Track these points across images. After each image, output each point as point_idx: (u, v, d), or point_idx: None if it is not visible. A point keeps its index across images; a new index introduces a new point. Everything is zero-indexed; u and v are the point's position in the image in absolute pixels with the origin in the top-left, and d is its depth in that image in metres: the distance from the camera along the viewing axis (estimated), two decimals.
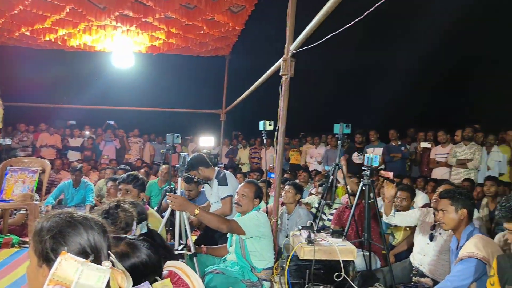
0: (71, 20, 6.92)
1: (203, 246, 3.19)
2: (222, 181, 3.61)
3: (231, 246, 2.96)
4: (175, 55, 9.28)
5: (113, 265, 1.10)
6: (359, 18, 2.62)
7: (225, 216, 3.20)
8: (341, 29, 2.86)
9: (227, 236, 3.04)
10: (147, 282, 1.33)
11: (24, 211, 4.97)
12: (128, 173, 3.19)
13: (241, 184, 2.99)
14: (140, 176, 3.28)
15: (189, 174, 3.73)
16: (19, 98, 9.28)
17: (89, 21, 6.95)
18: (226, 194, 3.54)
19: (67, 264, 0.97)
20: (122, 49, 8.43)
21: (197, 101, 10.49)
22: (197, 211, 2.66)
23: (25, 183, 4.86)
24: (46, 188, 5.25)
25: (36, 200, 4.74)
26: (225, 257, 3.01)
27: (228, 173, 3.78)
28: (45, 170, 5.10)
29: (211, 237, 3.65)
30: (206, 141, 8.45)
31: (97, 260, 1.05)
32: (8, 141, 8.73)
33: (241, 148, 10.04)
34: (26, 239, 4.47)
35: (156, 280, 1.44)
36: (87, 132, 10.22)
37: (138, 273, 1.36)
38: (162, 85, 12.27)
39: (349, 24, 2.73)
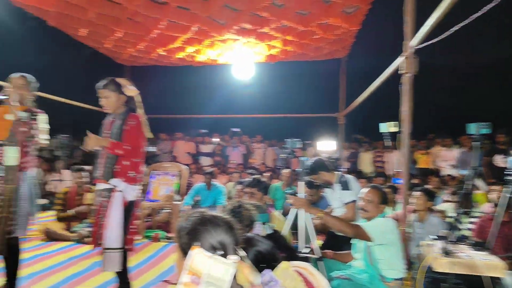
0: (197, 37, 7.67)
1: (329, 250, 3.18)
2: (345, 186, 3.54)
3: (356, 252, 2.89)
4: (291, 62, 9.48)
5: (241, 259, 1.21)
6: (492, 4, 2.30)
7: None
8: (469, 19, 2.54)
9: (352, 242, 2.97)
10: (268, 270, 1.48)
11: (168, 210, 5.65)
12: (253, 176, 3.34)
13: (365, 189, 2.90)
14: (264, 179, 3.42)
15: (310, 178, 3.76)
16: (159, 111, 10.65)
17: (212, 36, 7.61)
18: (350, 199, 3.47)
19: (198, 257, 1.09)
20: (243, 60, 8.99)
21: (315, 106, 10.51)
22: (320, 214, 2.67)
23: (167, 185, 5.55)
24: (184, 190, 5.90)
25: (177, 201, 5.36)
26: (351, 263, 2.95)
27: (350, 177, 3.69)
28: (183, 173, 5.73)
29: (335, 243, 3.61)
30: (326, 145, 8.39)
31: (225, 255, 1.15)
32: (152, 149, 10.19)
33: (362, 151, 9.67)
34: (171, 235, 5.08)
35: (275, 267, 1.59)
36: (216, 139, 11.17)
37: (257, 262, 1.56)
38: (280, 91, 12.61)
39: (479, 13, 2.41)
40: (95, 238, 2.75)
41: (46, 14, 6.44)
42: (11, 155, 2.66)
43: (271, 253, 1.67)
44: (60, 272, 3.58)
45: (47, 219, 5.72)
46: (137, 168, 2.77)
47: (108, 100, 2.77)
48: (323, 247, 3.46)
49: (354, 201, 3.44)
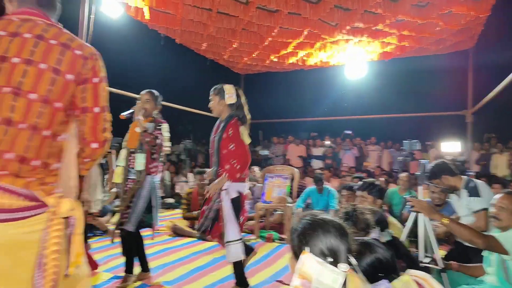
0: (308, 41, 7.73)
1: (453, 262, 2.89)
2: (473, 192, 3.16)
3: (489, 266, 2.56)
4: (408, 58, 8.87)
5: (353, 268, 1.17)
6: None
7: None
8: None
9: (483, 254, 2.64)
10: (385, 280, 1.40)
11: (281, 212, 5.81)
12: (365, 180, 3.22)
13: (499, 195, 2.55)
14: (377, 183, 3.26)
15: (431, 183, 3.46)
16: (271, 115, 11.04)
17: (323, 39, 7.59)
18: (480, 206, 3.08)
19: (309, 262, 1.10)
20: (355, 60, 8.76)
21: (437, 103, 9.63)
22: (445, 220, 2.44)
23: (280, 187, 5.71)
24: (296, 193, 5.99)
25: (289, 203, 5.48)
26: (482, 279, 2.62)
27: (480, 182, 3.28)
28: (294, 176, 5.83)
29: (463, 254, 3.25)
30: (450, 146, 7.61)
31: (335, 262, 1.13)
32: (266, 152, 10.60)
33: (496, 153, 8.49)
34: (284, 236, 5.21)
35: (394, 278, 1.47)
36: (327, 142, 11.07)
37: (374, 270, 1.46)
38: (396, 90, 11.90)
39: None
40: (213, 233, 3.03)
41: (174, 33, 7.28)
42: (140, 161, 3.11)
43: (391, 262, 1.56)
44: (185, 265, 3.92)
45: (174, 216, 6.40)
46: (243, 168, 2.92)
47: (212, 103, 3.06)
48: (447, 258, 3.15)
49: (485, 209, 3.05)
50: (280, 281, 3.50)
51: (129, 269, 3.26)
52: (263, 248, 4.71)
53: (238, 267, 2.98)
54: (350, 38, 7.42)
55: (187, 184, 8.33)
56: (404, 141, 3.48)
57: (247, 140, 2.98)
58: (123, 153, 3.23)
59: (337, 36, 7.27)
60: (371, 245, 1.59)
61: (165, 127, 3.27)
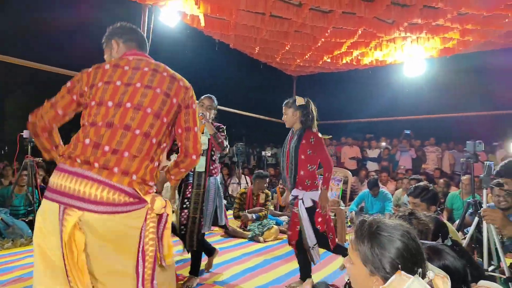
0: (363, 40, 7.55)
1: None
2: None
3: None
4: (471, 53, 8.31)
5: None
6: None
7: None
8: None
9: None
10: None
11: (333, 216, 5.73)
12: (416, 184, 2.95)
13: None
14: (431, 187, 2.98)
15: (496, 185, 3.24)
16: (325, 117, 10.87)
17: (379, 37, 7.37)
18: None
19: (400, 280, 1.08)
20: (413, 58, 8.40)
21: (504, 101, 8.91)
22: None
23: (332, 190, 5.63)
24: (348, 195, 5.87)
25: (342, 206, 5.39)
26: None
27: None
28: (347, 179, 5.73)
29: None
30: None
31: (418, 271, 1.11)
32: None
33: None
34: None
35: None
36: (383, 143, 10.69)
37: None
38: (458, 88, 11.20)
39: None
40: (291, 238, 3.26)
41: (228, 38, 7.48)
42: (201, 163, 3.21)
43: (462, 272, 1.43)
44: (237, 265, 3.98)
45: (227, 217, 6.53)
46: (312, 176, 3.14)
47: (286, 116, 3.26)
48: None
49: None
50: (333, 285, 3.45)
51: (195, 271, 3.36)
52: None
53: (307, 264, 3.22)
54: (408, 35, 7.14)
55: (239, 185, 8.48)
56: (467, 141, 3.28)
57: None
58: None
59: (393, 34, 7.03)
60: (440, 251, 1.48)
61: (224, 130, 3.42)
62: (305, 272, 3.27)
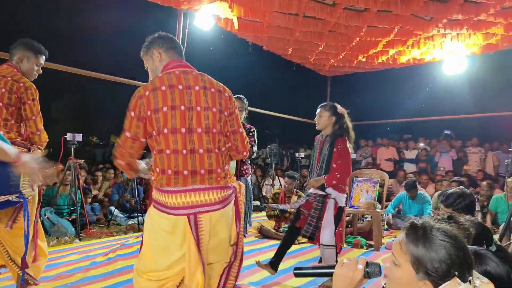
0: (399, 39, 7.34)
1: None
2: None
3: None
4: None
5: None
6: None
7: None
8: None
9: None
10: None
11: (369, 218, 5.60)
12: (450, 191, 2.58)
13: None
14: (468, 193, 2.65)
15: None
16: (360, 117, 10.65)
17: (416, 35, 7.14)
18: None
19: (453, 286, 1.06)
20: (453, 56, 8.08)
21: None
22: None
23: (368, 192, 5.51)
24: (384, 198, 5.72)
25: (378, 209, 5.26)
26: None
27: None
28: (384, 181, 5.58)
29: None
30: None
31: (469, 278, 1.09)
32: (352, 155, 10.27)
33: None
34: (371, 242, 5.02)
35: None
36: (421, 144, 10.33)
37: None
38: (502, 85, 10.64)
39: None
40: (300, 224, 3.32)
41: (261, 40, 7.51)
42: (232, 164, 3.29)
43: (506, 279, 1.36)
44: None
45: (261, 218, 6.56)
46: (345, 180, 3.18)
47: (320, 118, 3.27)
48: None
49: None
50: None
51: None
52: (350, 254, 4.61)
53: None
54: (447, 32, 6.88)
55: (272, 186, 8.48)
56: None
57: (351, 152, 3.27)
58: None
59: (432, 31, 6.78)
60: (482, 256, 1.43)
61: (254, 132, 3.44)
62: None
